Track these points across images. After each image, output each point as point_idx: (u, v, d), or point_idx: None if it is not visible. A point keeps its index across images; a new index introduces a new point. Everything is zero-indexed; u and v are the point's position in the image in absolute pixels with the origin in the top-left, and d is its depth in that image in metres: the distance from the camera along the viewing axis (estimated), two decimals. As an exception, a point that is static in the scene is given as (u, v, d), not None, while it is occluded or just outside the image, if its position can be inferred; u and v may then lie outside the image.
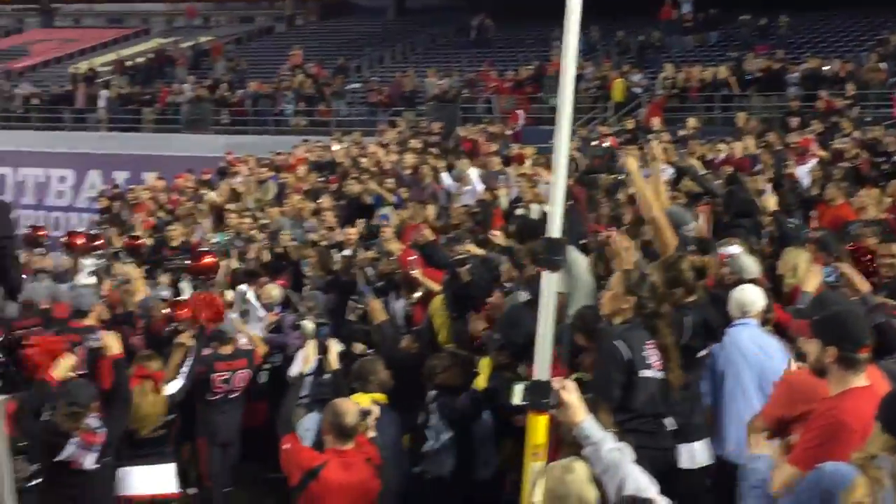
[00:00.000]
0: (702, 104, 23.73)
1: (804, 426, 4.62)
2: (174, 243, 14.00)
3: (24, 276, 10.16)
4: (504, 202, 13.75)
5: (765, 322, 6.71)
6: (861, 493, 3.73)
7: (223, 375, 9.00)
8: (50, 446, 6.64)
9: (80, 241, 13.32)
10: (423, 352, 8.39)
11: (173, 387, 7.98)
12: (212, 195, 17.09)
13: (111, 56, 37.57)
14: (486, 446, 7.20)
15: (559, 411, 4.14)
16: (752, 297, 6.59)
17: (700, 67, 24.77)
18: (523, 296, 7.63)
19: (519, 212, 12.62)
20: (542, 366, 4.04)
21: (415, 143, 19.74)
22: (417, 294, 9.74)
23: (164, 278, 11.92)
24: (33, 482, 6.58)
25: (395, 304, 10.02)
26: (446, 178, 15.51)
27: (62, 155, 29.56)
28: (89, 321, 9.37)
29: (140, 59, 36.48)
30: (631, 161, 8.06)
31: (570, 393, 4.18)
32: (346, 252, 11.67)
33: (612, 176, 13.85)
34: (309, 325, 8.20)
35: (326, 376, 7.55)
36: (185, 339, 8.60)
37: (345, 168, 18.53)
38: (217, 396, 9.00)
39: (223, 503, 9.23)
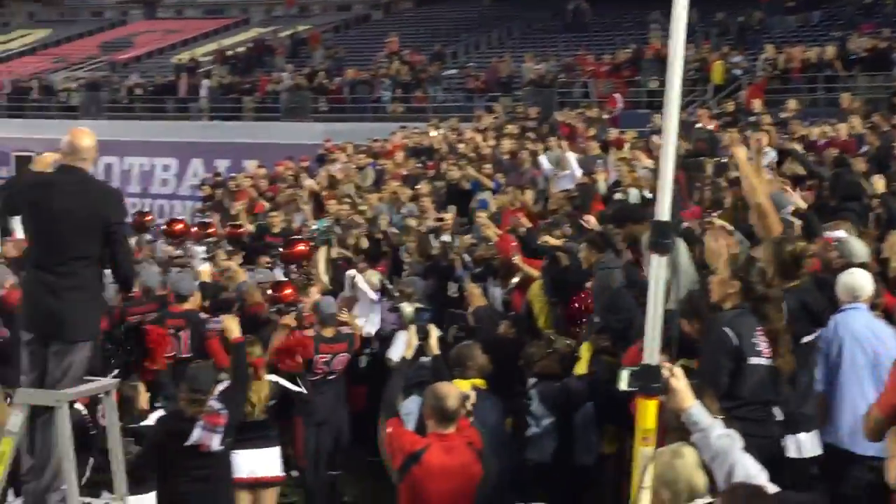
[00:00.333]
0: (805, 85, 23.19)
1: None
2: (275, 230, 14.22)
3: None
4: (602, 187, 13.68)
5: (873, 307, 6.54)
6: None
7: (324, 357, 9.10)
8: (177, 433, 6.77)
9: (178, 227, 13.55)
10: (520, 337, 8.39)
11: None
12: (310, 182, 17.31)
13: (212, 46, 38.17)
14: (588, 432, 7.18)
15: (667, 397, 4.11)
16: (861, 281, 6.43)
17: (802, 48, 24.17)
18: (619, 278, 7.60)
19: (618, 196, 12.55)
20: (651, 350, 4.01)
21: (511, 129, 19.69)
22: (515, 280, 9.74)
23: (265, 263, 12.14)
24: None
25: (494, 290, 10.04)
26: (545, 163, 15.45)
27: (166, 144, 30.20)
28: (189, 305, 9.60)
29: (240, 49, 36.91)
30: (741, 152, 7.95)
31: (679, 379, 4.15)
32: (445, 238, 11.72)
33: (715, 159, 13.68)
34: (409, 308, 8.23)
35: (425, 359, 7.57)
36: (289, 320, 8.75)
37: (442, 154, 18.61)
38: (317, 377, 9.06)
39: (321, 483, 9.32)
